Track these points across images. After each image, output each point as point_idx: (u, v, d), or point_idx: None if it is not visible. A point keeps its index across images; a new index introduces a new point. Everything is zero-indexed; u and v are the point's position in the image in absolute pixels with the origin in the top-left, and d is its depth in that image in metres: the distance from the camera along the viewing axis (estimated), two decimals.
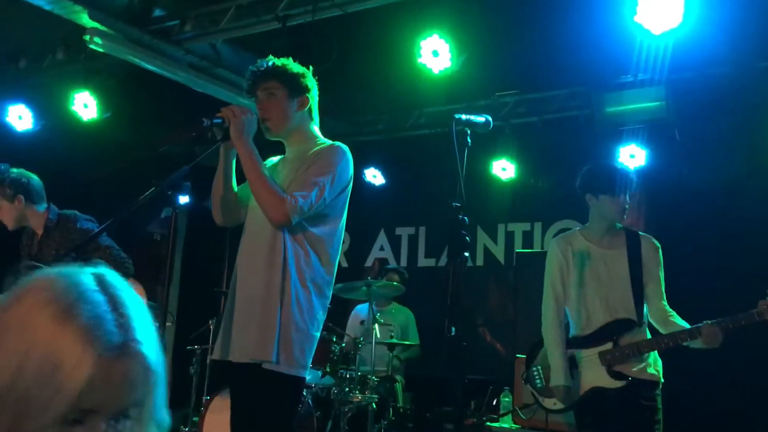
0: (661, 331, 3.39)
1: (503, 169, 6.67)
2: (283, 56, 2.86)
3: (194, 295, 7.68)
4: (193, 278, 8.06)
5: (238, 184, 2.84)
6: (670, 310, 3.43)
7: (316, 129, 2.87)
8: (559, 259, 3.56)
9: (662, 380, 3.37)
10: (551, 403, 3.60)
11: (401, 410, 5.59)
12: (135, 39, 5.22)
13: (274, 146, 2.93)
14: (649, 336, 3.43)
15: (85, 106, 5.95)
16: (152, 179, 4.54)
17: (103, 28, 4.99)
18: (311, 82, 2.84)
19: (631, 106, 5.61)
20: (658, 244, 3.51)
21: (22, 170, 4.17)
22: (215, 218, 2.86)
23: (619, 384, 3.31)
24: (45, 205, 4.19)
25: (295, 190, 2.58)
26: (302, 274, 2.62)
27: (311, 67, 2.87)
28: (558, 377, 3.42)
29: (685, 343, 3.27)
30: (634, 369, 3.33)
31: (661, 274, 3.48)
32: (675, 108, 5.40)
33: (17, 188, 4.06)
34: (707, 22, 4.09)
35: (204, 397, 5.28)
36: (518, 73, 5.94)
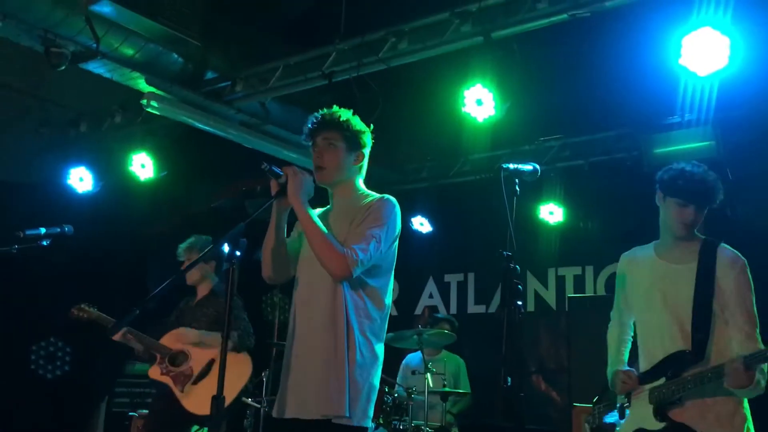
0: None
1: (551, 213, 6.64)
2: (329, 109, 2.93)
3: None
4: None
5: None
6: (760, 345, 2.76)
7: (361, 182, 2.94)
8: (619, 276, 3.17)
9: None
10: None
11: None
12: (189, 101, 5.46)
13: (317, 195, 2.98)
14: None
15: (142, 166, 6.21)
16: (210, 235, 4.72)
17: (159, 92, 5.24)
18: (369, 140, 2.91)
19: (680, 147, 5.56)
20: (743, 258, 2.88)
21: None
22: (264, 273, 2.89)
23: (660, 426, 2.80)
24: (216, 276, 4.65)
25: (352, 243, 2.62)
26: (363, 326, 2.65)
27: (372, 126, 2.94)
28: (611, 367, 3.09)
29: (714, 380, 2.70)
30: (689, 415, 2.77)
31: (746, 299, 2.82)
32: (725, 147, 5.33)
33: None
34: (753, 61, 4.06)
35: None
36: (562, 117, 5.97)
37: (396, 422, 5.23)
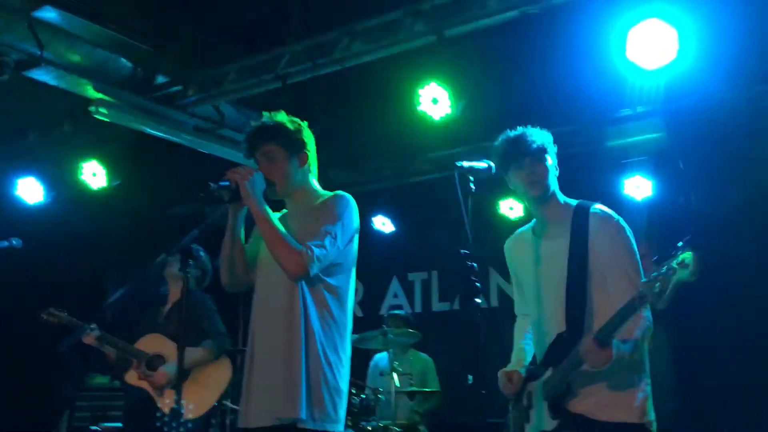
0: None
1: (510, 208, 6.69)
2: (285, 112, 2.87)
3: None
4: None
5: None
6: (644, 313, 2.45)
7: (315, 182, 2.89)
8: (508, 264, 2.96)
9: (651, 422, 2.45)
10: None
11: None
12: (139, 106, 5.35)
13: (275, 202, 2.94)
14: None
15: (93, 174, 6.06)
16: (165, 242, 4.62)
17: (107, 98, 5.12)
18: (308, 136, 2.85)
19: (632, 139, 5.65)
20: (617, 217, 2.64)
21: None
22: (223, 281, 2.84)
23: (552, 425, 2.48)
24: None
25: (308, 241, 2.58)
26: (326, 327, 2.61)
27: (305, 122, 2.88)
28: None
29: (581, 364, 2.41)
30: (585, 404, 2.45)
31: (625, 260, 2.55)
32: (677, 138, 5.43)
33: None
34: (703, 52, 4.13)
35: None
36: (518, 113, 5.98)
37: (364, 423, 5.20)
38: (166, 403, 4.14)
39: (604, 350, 2.30)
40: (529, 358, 2.80)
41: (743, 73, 5.01)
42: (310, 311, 2.60)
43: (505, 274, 7.35)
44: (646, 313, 2.42)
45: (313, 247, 2.55)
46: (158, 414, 3.72)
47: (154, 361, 4.29)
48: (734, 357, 5.28)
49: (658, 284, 2.15)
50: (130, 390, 4.38)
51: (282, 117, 2.83)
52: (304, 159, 2.82)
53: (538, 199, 2.69)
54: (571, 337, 2.49)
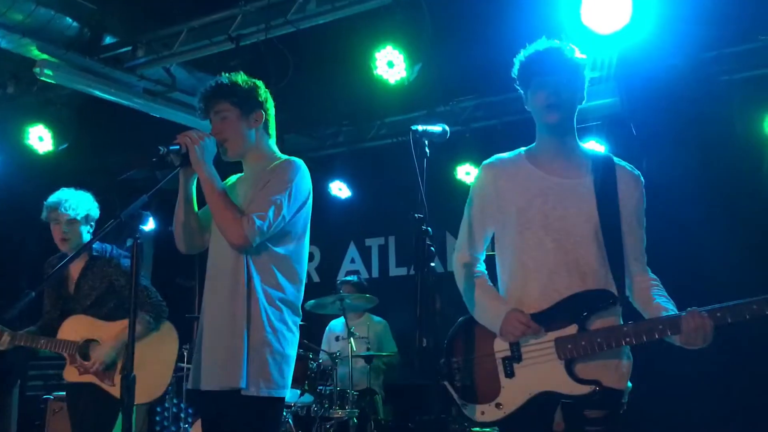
0: (641, 312, 2.35)
1: (467, 173, 6.72)
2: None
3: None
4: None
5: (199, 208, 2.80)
6: (654, 277, 2.38)
7: (272, 146, 2.84)
8: (483, 191, 2.54)
9: (628, 388, 2.32)
10: (479, 413, 2.39)
11: (382, 422, 5.57)
12: (86, 68, 5.17)
13: (233, 165, 2.89)
14: (621, 321, 2.32)
15: (40, 139, 5.86)
16: (115, 208, 4.48)
17: (52, 59, 4.93)
18: (264, 96, 2.79)
19: (587, 104, 5.68)
20: (642, 177, 2.43)
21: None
22: (178, 245, 2.82)
23: (584, 390, 2.21)
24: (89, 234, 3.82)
25: (252, 211, 2.54)
26: (270, 295, 2.59)
27: (261, 82, 2.82)
28: (489, 307, 2.46)
29: (666, 338, 2.20)
30: (595, 369, 2.24)
31: (643, 226, 2.39)
32: (629, 103, 5.50)
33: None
34: (656, 17, 4.17)
35: (183, 425, 5.20)
36: (474, 78, 6.00)
37: (321, 387, 5.25)
38: (117, 389, 3.42)
39: (712, 329, 2.12)
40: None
41: (695, 40, 5.08)
42: (254, 279, 2.57)
43: None
44: None
45: (255, 218, 2.50)
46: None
47: (87, 349, 3.73)
48: None
49: None
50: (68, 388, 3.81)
51: (238, 77, 2.76)
52: (258, 119, 2.75)
53: (554, 127, 2.39)
54: (615, 300, 2.27)
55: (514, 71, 2.47)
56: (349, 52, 4.96)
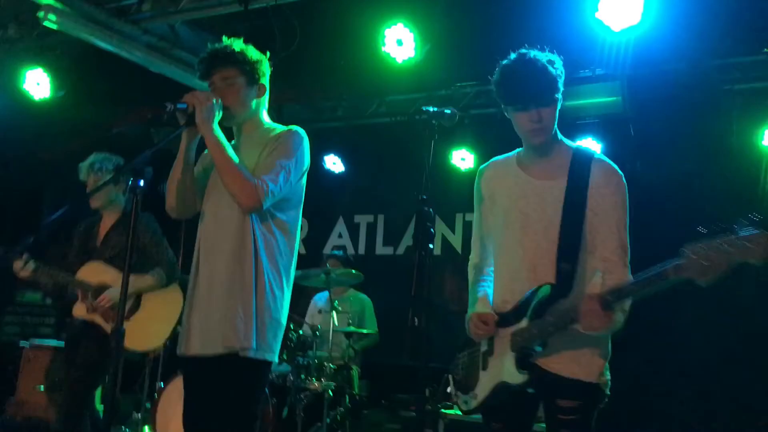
0: None
1: (462, 159, 6.73)
2: (244, 40, 2.79)
3: None
4: None
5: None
6: (629, 276, 2.32)
7: (265, 114, 2.86)
8: (477, 194, 2.66)
9: (606, 382, 2.36)
10: (462, 402, 2.60)
11: (357, 397, 5.62)
12: (91, 17, 5.09)
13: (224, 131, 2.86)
14: None
15: (37, 84, 5.78)
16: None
17: (57, 4, 4.85)
18: (267, 68, 2.81)
19: (588, 101, 5.71)
20: (621, 173, 2.41)
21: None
22: (168, 206, 2.78)
23: (521, 378, 2.31)
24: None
25: (262, 174, 2.56)
26: (273, 260, 2.62)
27: (268, 53, 2.82)
28: (469, 309, 2.57)
29: (574, 324, 2.24)
30: (557, 360, 2.31)
31: (619, 222, 2.37)
32: (631, 103, 5.52)
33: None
34: (665, 20, 4.18)
35: (158, 383, 5.21)
36: (479, 64, 5.95)
37: (300, 358, 5.28)
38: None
39: (606, 314, 2.13)
40: (491, 302, 2.56)
41: (702, 46, 5.10)
42: (259, 245, 2.59)
43: (451, 224, 7.59)
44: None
45: (267, 181, 2.53)
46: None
47: (100, 293, 3.98)
48: (664, 329, 5.47)
49: (707, 255, 1.93)
50: (70, 324, 4.11)
51: (246, 45, 2.75)
52: (262, 90, 2.79)
53: (539, 146, 2.43)
54: (557, 292, 2.31)
55: (493, 82, 2.45)
56: (358, 27, 4.93)
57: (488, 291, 2.60)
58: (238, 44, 2.73)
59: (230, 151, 2.58)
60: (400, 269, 6.71)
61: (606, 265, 2.33)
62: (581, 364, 2.31)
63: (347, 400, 5.39)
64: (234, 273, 2.57)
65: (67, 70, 5.88)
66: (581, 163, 2.41)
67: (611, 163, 2.44)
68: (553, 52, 2.41)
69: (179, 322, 4.00)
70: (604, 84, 5.56)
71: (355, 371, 5.79)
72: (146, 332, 4.03)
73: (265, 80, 2.79)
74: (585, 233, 2.35)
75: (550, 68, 2.36)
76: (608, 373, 2.38)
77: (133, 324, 3.97)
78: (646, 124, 5.84)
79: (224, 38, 2.77)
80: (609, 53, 5.07)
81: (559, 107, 2.42)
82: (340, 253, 6.37)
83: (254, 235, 2.58)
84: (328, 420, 5.06)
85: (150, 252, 4.03)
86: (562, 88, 2.40)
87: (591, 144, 6.04)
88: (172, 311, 4.09)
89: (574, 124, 5.98)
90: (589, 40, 4.63)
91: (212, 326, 2.56)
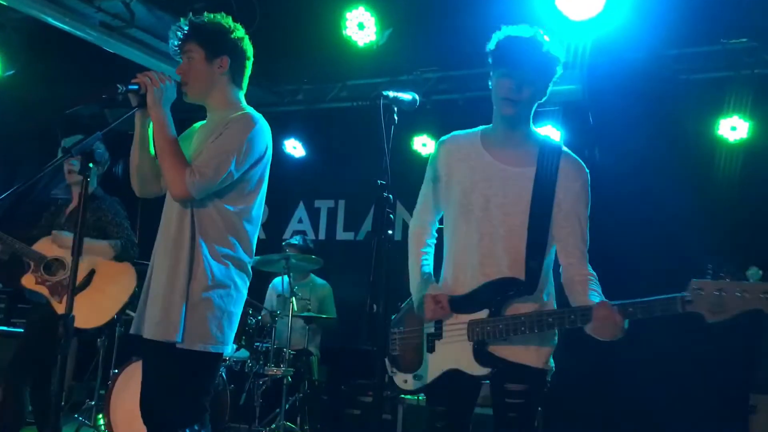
0: (570, 303, 2.36)
1: (424, 144, 6.73)
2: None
3: None
4: None
5: None
6: (590, 270, 2.37)
7: (238, 95, 2.72)
8: (432, 165, 2.59)
9: (551, 369, 2.41)
10: (401, 380, 2.59)
11: (316, 383, 5.61)
12: None
13: (198, 111, 2.78)
14: (555, 307, 2.41)
15: None
16: (57, 142, 4.32)
17: None
18: (235, 42, 2.65)
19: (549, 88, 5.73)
20: (587, 169, 2.45)
21: None
22: (134, 188, 2.71)
23: (482, 372, 2.35)
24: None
25: (198, 163, 2.46)
26: (215, 250, 2.51)
27: (239, 26, 2.68)
28: (417, 288, 2.58)
29: (577, 326, 2.25)
30: (512, 350, 2.35)
31: (582, 217, 2.40)
32: (590, 92, 5.58)
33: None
34: (625, 10, 4.21)
35: (112, 371, 5.11)
36: (441, 50, 5.97)
37: (258, 344, 5.24)
38: (62, 308, 3.92)
39: (622, 322, 2.15)
40: (437, 281, 2.57)
41: (660, 35, 5.17)
42: (199, 233, 2.50)
43: (412, 210, 7.56)
44: None
45: (197, 172, 2.42)
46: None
47: (52, 266, 4.04)
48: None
49: (721, 299, 2.04)
50: (34, 301, 4.11)
51: (210, 16, 2.63)
52: (224, 63, 2.63)
53: (508, 119, 2.42)
54: (525, 289, 2.35)
55: (490, 45, 2.45)
56: (320, 9, 4.86)
57: (430, 269, 2.62)
58: (202, 17, 2.62)
59: (170, 135, 2.49)
60: (361, 255, 6.70)
61: (569, 259, 2.38)
62: (530, 351, 2.36)
63: (306, 385, 5.37)
64: (173, 260, 2.49)
65: (18, 48, 5.68)
66: (550, 154, 2.41)
67: (577, 157, 2.47)
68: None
69: (129, 302, 4.08)
70: (564, 72, 5.59)
71: (315, 358, 5.78)
72: (93, 309, 4.01)
73: (234, 54, 2.64)
74: (551, 227, 2.38)
75: (550, 48, 2.40)
76: (552, 361, 2.43)
77: (80, 300, 3.87)
78: (605, 113, 5.91)
79: (205, 13, 2.65)
80: (569, 42, 5.11)
81: (541, 99, 2.45)
82: (299, 242, 6.31)
83: (193, 222, 2.49)
84: (287, 406, 5.04)
85: (110, 230, 4.10)
86: (551, 87, 2.44)
87: (551, 131, 6.10)
88: (121, 290, 4.09)
89: (534, 111, 6.02)
90: (549, 28, 4.64)
91: (153, 312, 2.50)
